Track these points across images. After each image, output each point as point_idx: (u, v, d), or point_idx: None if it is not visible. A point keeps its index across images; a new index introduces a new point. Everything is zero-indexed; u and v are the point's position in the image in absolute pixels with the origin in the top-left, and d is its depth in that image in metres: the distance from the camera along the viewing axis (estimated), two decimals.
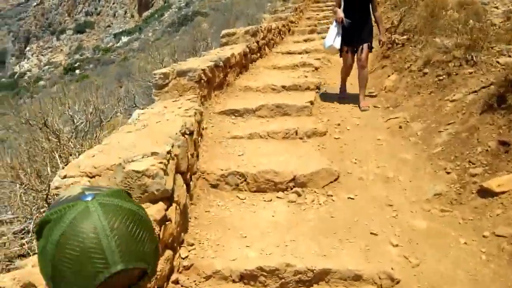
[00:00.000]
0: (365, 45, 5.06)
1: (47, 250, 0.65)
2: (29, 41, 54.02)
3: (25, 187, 2.52)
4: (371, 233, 2.65)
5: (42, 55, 51.10)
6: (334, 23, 5.14)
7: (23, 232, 2.54)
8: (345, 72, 5.44)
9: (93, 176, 2.29)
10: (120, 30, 51.88)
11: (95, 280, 0.62)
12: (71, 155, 3.24)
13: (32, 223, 2.52)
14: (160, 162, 2.33)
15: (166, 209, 2.30)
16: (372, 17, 5.15)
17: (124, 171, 2.26)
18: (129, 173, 2.25)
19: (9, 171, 2.60)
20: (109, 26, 54.09)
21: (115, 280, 0.63)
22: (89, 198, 0.67)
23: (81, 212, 0.65)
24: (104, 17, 55.38)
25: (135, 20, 53.51)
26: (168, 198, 2.36)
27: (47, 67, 48.16)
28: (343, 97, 5.38)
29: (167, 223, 2.28)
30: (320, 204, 3.03)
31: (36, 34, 53.95)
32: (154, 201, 2.28)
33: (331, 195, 3.13)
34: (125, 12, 54.91)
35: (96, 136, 3.39)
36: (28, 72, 48.87)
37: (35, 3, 57.76)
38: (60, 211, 0.66)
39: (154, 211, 2.19)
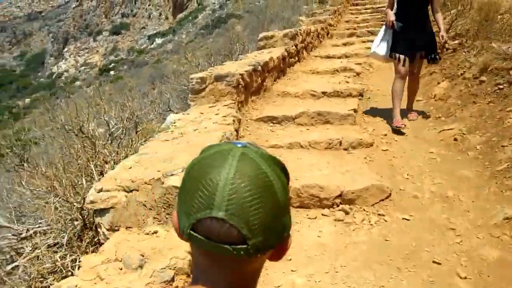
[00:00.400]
0: (422, 54, 4.45)
1: (185, 170, 0.69)
2: (67, 42, 55.89)
3: (60, 199, 2.42)
4: (433, 261, 2.37)
5: (79, 55, 52.75)
6: (384, 27, 4.59)
7: (57, 246, 2.44)
8: (399, 89, 4.44)
9: (131, 191, 2.14)
10: (155, 31, 52.88)
11: (197, 213, 0.63)
12: (106, 163, 3.13)
13: (66, 236, 2.41)
14: None
15: None
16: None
17: (163, 187, 2.10)
18: (168, 189, 2.08)
19: (44, 180, 2.51)
20: (144, 27, 55.24)
21: (212, 225, 0.62)
22: (238, 145, 0.68)
23: (221, 151, 0.66)
24: (140, 19, 56.61)
25: (169, 22, 54.39)
26: None
27: (83, 67, 49.67)
28: (398, 127, 4.26)
29: None
30: (371, 224, 2.77)
31: (74, 35, 55.78)
32: None
33: (383, 215, 2.87)
34: (160, 14, 55.92)
35: (132, 143, 3.27)
36: (65, 73, 50.55)
37: (74, 5, 59.73)
38: (212, 146, 0.70)
39: None
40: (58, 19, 61.81)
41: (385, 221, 2.80)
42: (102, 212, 2.15)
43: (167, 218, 2.09)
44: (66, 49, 54.78)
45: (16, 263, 2.40)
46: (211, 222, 0.62)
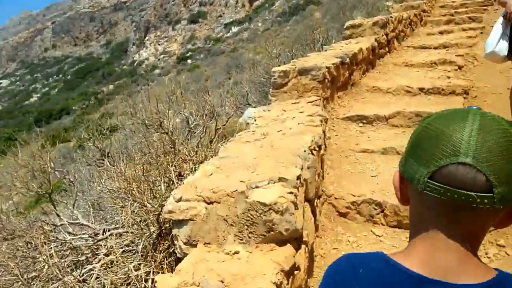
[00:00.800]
0: None
1: (415, 131, 0.73)
2: (148, 31, 58.85)
3: (138, 203, 2.33)
4: None
5: (159, 44, 55.31)
6: (501, 20, 3.78)
7: (132, 252, 2.36)
8: None
9: (211, 203, 1.97)
10: (231, 20, 53.69)
11: (440, 160, 0.65)
12: (185, 162, 3.02)
13: (141, 243, 2.32)
14: (290, 192, 1.92)
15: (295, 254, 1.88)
16: None
17: (247, 201, 1.89)
18: (253, 205, 1.87)
19: (122, 181, 2.45)
20: (220, 16, 56.31)
21: (458, 171, 0.64)
22: (474, 107, 0.70)
23: (460, 110, 0.70)
24: (217, 7, 57.77)
25: (246, 10, 54.82)
26: (296, 238, 1.94)
27: (162, 56, 52.03)
28: None
29: (295, 272, 1.86)
30: (489, 257, 2.35)
31: (154, 24, 58.55)
32: (280, 243, 1.87)
33: (503, 246, 2.42)
34: (236, 2, 56.57)
35: (212, 141, 3.13)
36: (145, 61, 53.37)
37: None
38: (445, 110, 0.73)
39: (281, 257, 1.78)
40: (141, 8, 65.23)
41: (507, 254, 2.36)
42: (180, 223, 2.00)
43: (249, 237, 1.89)
44: (147, 37, 57.75)
45: (90, 267, 2.36)
46: (456, 168, 0.64)
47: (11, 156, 2.77)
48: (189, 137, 3.37)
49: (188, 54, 47.49)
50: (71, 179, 3.03)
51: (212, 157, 2.67)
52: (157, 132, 3.21)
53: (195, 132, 3.42)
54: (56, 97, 57.14)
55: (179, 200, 2.00)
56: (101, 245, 2.65)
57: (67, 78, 68.04)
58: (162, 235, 2.41)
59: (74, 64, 73.78)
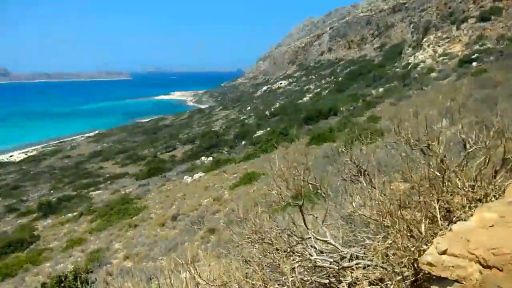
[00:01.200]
0: None
1: None
2: (427, 31, 56.53)
3: (391, 242, 2.10)
4: None
5: (438, 45, 52.34)
6: None
7: None
8: None
9: (489, 267, 1.54)
10: None
11: None
12: (457, 194, 2.58)
13: (391, 286, 2.08)
14: None
15: None
16: None
17: None
18: None
19: (374, 213, 2.26)
20: None
21: None
22: None
23: None
24: None
25: None
26: None
27: (441, 58, 49.06)
28: None
29: None
30: None
31: (435, 24, 55.71)
32: None
33: None
34: None
35: (496, 175, 2.55)
36: (421, 63, 51.53)
37: None
38: None
39: None
40: (421, 8, 63.30)
41: None
42: (441, 281, 1.66)
43: None
44: (425, 39, 55.61)
45: None
46: None
47: (268, 165, 2.99)
48: (464, 164, 2.87)
49: (473, 56, 43.12)
50: (323, 194, 3.05)
51: (495, 197, 2.16)
52: (423, 154, 2.86)
53: (473, 159, 2.89)
54: (326, 98, 62.39)
55: (443, 253, 1.65)
56: (346, 271, 2.54)
57: (338, 80, 73.23)
58: (417, 282, 2.10)
59: (346, 67, 78.72)
